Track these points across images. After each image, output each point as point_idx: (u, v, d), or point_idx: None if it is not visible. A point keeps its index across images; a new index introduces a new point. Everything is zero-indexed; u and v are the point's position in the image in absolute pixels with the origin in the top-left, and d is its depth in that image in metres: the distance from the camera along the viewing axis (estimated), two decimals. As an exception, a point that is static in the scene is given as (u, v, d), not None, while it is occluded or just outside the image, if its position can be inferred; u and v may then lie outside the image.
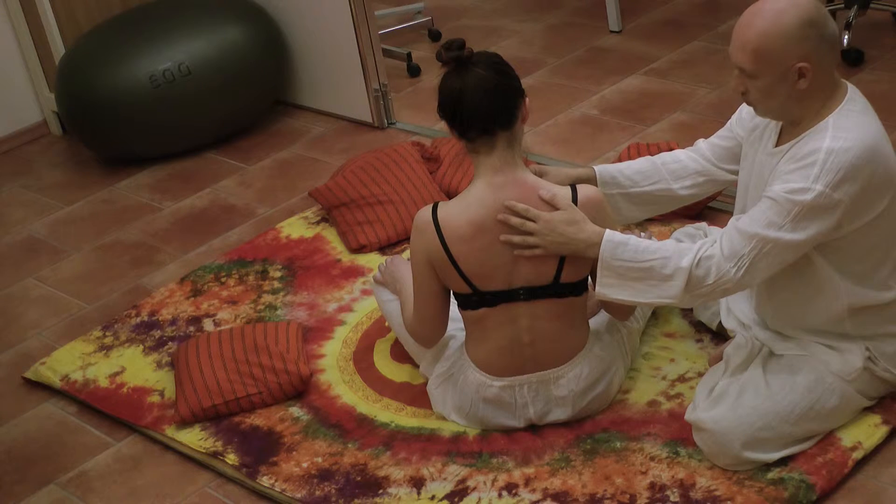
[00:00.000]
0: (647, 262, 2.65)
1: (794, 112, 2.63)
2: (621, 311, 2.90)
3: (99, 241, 4.19)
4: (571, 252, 2.72)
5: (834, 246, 2.64)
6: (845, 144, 2.53)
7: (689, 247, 2.65)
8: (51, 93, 4.88)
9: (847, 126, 2.56)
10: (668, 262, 2.63)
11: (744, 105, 2.93)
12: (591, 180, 3.04)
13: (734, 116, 2.99)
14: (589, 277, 2.83)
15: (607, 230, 2.69)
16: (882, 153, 2.58)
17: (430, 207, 2.78)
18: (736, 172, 3.00)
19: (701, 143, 3.08)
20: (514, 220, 2.71)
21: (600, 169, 3.07)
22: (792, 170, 2.56)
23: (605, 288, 2.71)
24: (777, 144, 2.71)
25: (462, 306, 2.84)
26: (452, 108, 2.70)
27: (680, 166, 3.06)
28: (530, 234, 2.71)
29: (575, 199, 2.74)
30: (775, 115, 2.67)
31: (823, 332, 2.77)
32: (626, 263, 2.67)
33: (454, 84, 2.69)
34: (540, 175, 2.93)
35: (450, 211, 2.76)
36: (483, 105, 2.67)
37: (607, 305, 2.89)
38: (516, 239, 2.72)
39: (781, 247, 2.57)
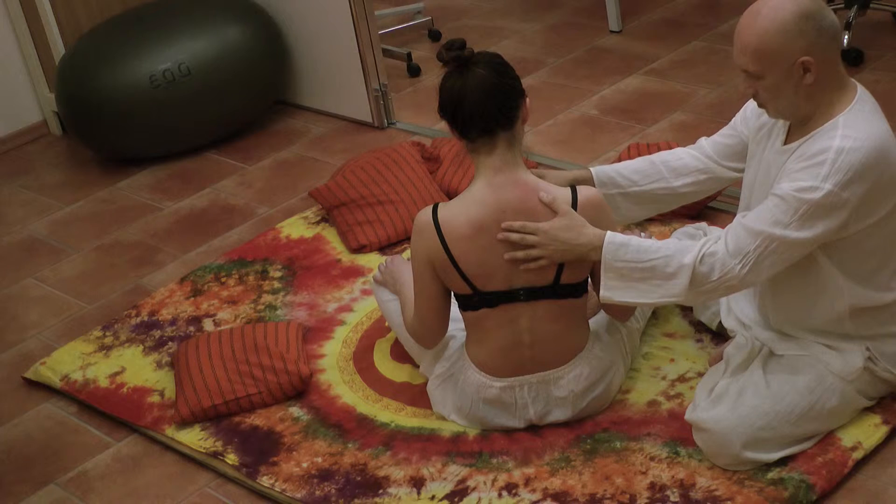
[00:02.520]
0: (649, 262, 2.65)
1: (805, 109, 2.62)
2: (622, 313, 2.90)
3: (99, 241, 4.19)
4: (575, 258, 2.72)
5: (837, 246, 2.64)
6: (855, 144, 2.52)
7: (691, 244, 2.65)
8: (51, 93, 4.88)
9: (857, 125, 2.56)
10: (671, 261, 2.63)
11: (748, 104, 2.94)
12: (588, 181, 3.03)
13: (739, 115, 2.98)
14: (589, 278, 2.83)
15: (608, 232, 2.69)
16: (891, 154, 2.58)
17: (430, 208, 2.78)
18: (738, 170, 3.00)
19: (703, 141, 3.07)
20: (514, 237, 2.71)
21: (597, 170, 3.07)
22: (801, 168, 2.56)
23: (609, 291, 2.70)
24: (786, 142, 2.71)
25: (462, 307, 2.84)
26: (453, 109, 2.70)
27: (681, 164, 3.06)
28: (532, 246, 2.71)
29: (575, 200, 2.74)
30: (786, 115, 2.67)
31: (824, 331, 2.77)
32: (629, 264, 2.66)
33: (455, 84, 2.69)
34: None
35: (450, 211, 2.76)
36: (483, 105, 2.67)
37: (608, 307, 2.88)
38: (520, 255, 2.72)
39: (787, 245, 2.57)
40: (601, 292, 2.72)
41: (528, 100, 2.75)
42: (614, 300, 2.72)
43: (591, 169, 3.07)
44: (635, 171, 3.07)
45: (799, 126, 2.67)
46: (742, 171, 2.98)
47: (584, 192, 2.77)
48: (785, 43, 2.53)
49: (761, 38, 2.54)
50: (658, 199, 3.09)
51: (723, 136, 3.03)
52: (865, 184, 2.53)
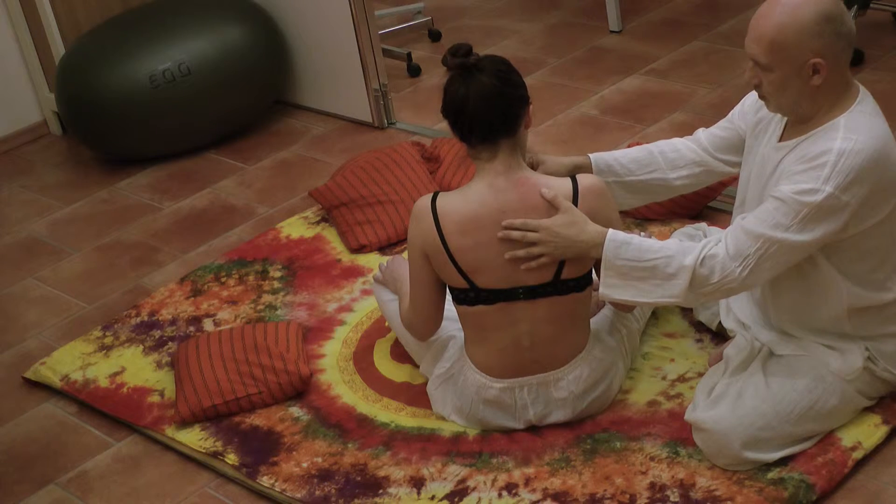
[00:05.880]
0: (650, 262, 2.65)
1: (806, 108, 2.62)
2: (625, 305, 2.89)
3: (99, 241, 4.19)
4: (576, 254, 2.71)
5: (836, 247, 2.64)
6: (856, 146, 2.52)
7: (692, 245, 2.65)
8: (51, 93, 4.88)
9: (858, 128, 2.55)
10: (672, 261, 2.63)
11: (747, 98, 2.93)
12: (587, 168, 3.04)
13: (737, 108, 2.98)
14: (593, 270, 2.82)
15: (610, 230, 2.68)
16: (891, 156, 2.57)
17: (429, 195, 2.78)
18: (732, 164, 3.01)
19: (700, 133, 3.07)
20: (515, 234, 2.70)
21: (595, 157, 3.07)
22: (801, 170, 2.56)
23: (609, 288, 2.70)
24: (782, 139, 2.70)
25: (458, 301, 2.83)
26: (455, 114, 2.70)
27: (677, 155, 3.06)
28: (533, 244, 2.70)
29: (576, 191, 2.73)
30: (786, 111, 2.66)
31: (824, 331, 2.77)
32: (630, 263, 2.66)
33: (458, 90, 2.67)
34: (536, 165, 2.93)
35: (449, 202, 2.75)
36: (485, 114, 2.66)
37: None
38: (521, 253, 2.71)
39: (787, 248, 2.57)
40: (600, 289, 2.72)
41: (531, 106, 2.74)
42: (613, 298, 2.72)
43: (590, 156, 3.07)
44: (633, 160, 3.07)
45: (796, 124, 2.67)
46: (736, 164, 2.98)
47: (584, 180, 2.76)
48: (801, 41, 2.52)
49: (778, 31, 2.52)
50: (653, 189, 3.10)
51: (719, 129, 3.03)
52: (866, 186, 2.53)
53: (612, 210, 2.79)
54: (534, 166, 2.94)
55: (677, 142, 3.09)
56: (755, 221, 2.59)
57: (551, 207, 2.71)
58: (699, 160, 3.04)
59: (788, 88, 2.58)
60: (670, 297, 2.65)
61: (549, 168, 2.95)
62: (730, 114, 3.01)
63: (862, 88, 2.65)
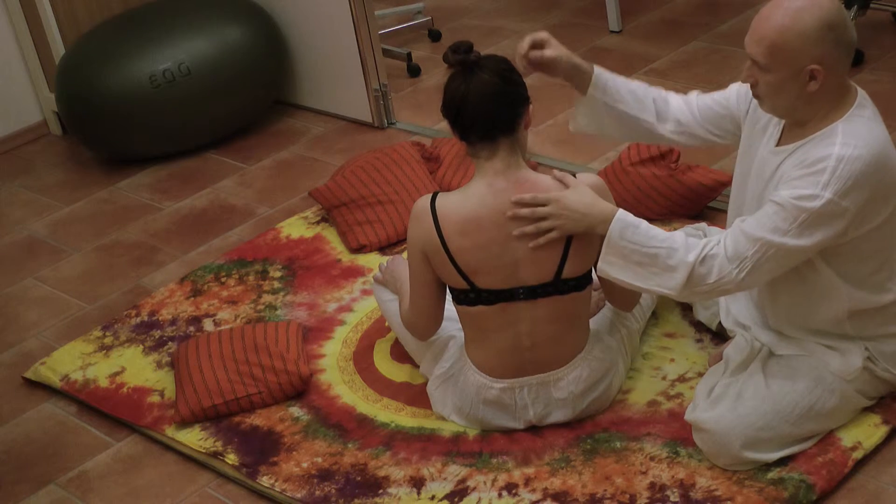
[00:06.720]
0: (653, 249, 2.64)
1: (801, 113, 2.61)
2: (625, 302, 2.89)
3: (99, 241, 4.19)
4: (585, 229, 2.70)
5: (835, 250, 2.63)
6: (855, 152, 2.51)
7: (696, 242, 2.64)
8: (51, 93, 4.88)
9: (856, 133, 2.55)
10: (675, 254, 2.62)
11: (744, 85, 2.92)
12: (586, 74, 2.98)
13: (735, 88, 2.93)
14: (593, 269, 2.82)
15: (620, 210, 2.68)
16: (889, 161, 2.57)
17: (429, 195, 2.78)
18: (718, 136, 2.96)
19: (693, 97, 3.01)
20: (524, 212, 2.70)
21: (599, 72, 3.01)
22: (800, 176, 2.55)
23: (607, 265, 2.69)
24: (780, 143, 2.70)
25: (458, 301, 2.83)
26: (455, 112, 2.70)
27: (665, 107, 3.00)
28: (543, 219, 2.70)
29: None
30: (781, 113, 2.66)
31: (824, 332, 2.77)
32: (632, 246, 2.65)
33: (458, 87, 2.68)
34: (544, 61, 2.87)
35: (449, 202, 2.75)
36: (485, 112, 2.66)
37: (611, 296, 2.88)
38: (529, 228, 2.70)
39: (785, 252, 2.57)
40: (598, 264, 2.71)
41: (531, 106, 2.74)
42: (608, 275, 2.71)
43: (595, 67, 3.02)
44: (630, 91, 3.00)
45: (794, 127, 2.67)
46: (722, 137, 2.95)
47: (585, 179, 2.76)
48: (801, 46, 2.51)
49: (779, 33, 2.52)
50: (634, 126, 3.03)
51: (714, 102, 2.96)
52: (865, 191, 2.53)
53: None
54: (541, 44, 2.88)
55: (671, 97, 3.02)
56: (754, 225, 2.59)
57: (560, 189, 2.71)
58: (684, 121, 2.98)
59: (784, 91, 2.58)
60: (665, 288, 2.65)
61: (552, 51, 2.88)
62: (727, 91, 2.94)
63: (861, 92, 2.65)
